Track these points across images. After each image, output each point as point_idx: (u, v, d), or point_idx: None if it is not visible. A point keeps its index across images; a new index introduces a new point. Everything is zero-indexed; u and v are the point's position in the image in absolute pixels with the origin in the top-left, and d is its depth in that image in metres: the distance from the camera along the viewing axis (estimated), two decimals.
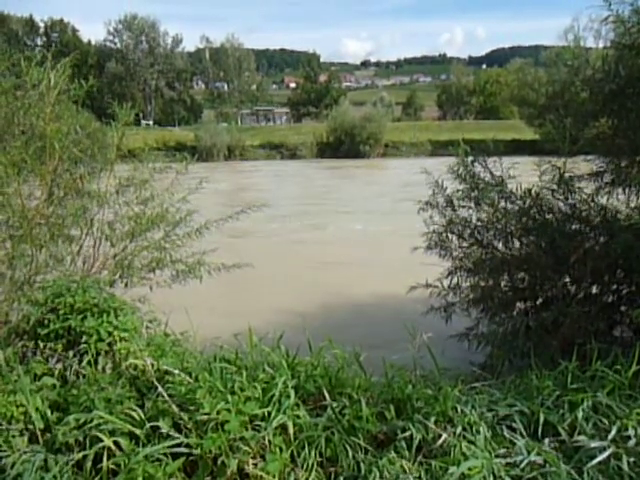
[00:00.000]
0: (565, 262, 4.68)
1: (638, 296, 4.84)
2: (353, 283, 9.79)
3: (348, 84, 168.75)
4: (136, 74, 72.93)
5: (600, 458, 2.22)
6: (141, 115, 63.77)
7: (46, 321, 3.30)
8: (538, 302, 5.22)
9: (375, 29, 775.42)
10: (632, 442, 2.30)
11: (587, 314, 4.63)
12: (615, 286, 5.08)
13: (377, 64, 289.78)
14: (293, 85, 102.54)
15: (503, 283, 5.40)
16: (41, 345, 3.21)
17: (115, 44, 75.00)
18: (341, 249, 12.93)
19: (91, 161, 5.53)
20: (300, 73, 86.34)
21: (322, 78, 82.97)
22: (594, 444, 2.29)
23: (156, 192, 5.69)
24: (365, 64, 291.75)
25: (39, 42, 73.60)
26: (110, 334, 3.20)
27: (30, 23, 73.60)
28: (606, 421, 2.47)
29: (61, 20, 76.52)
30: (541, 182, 5.07)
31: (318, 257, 12.07)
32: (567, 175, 5.00)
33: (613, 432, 2.34)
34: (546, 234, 4.79)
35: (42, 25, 74.91)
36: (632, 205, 4.90)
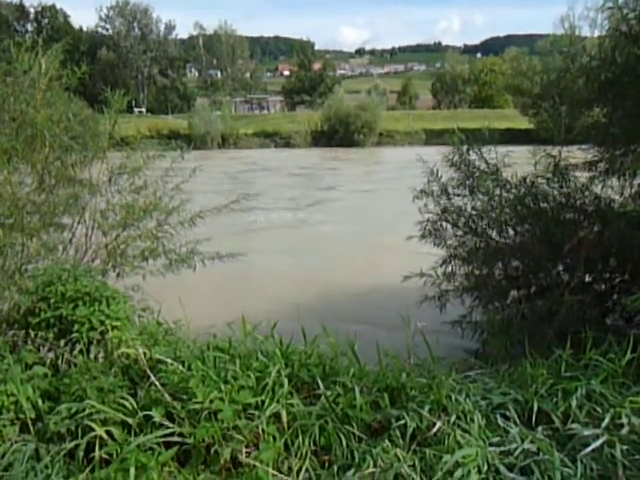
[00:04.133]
0: (559, 251, 4.68)
1: (631, 284, 4.85)
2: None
3: (342, 72, 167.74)
4: (128, 61, 72.28)
5: (594, 446, 2.22)
6: (134, 103, 63.25)
7: (37, 310, 3.27)
8: (532, 290, 5.23)
9: (373, 16, 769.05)
10: (625, 430, 2.30)
11: (580, 303, 4.65)
12: (608, 275, 5.10)
13: (372, 52, 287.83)
14: (287, 73, 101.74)
15: (497, 271, 5.40)
16: (32, 334, 3.18)
17: (107, 30, 74.36)
18: None
19: (83, 149, 5.45)
20: (294, 61, 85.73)
21: (316, 66, 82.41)
22: (587, 432, 2.29)
23: (149, 180, 5.64)
24: (360, 52, 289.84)
25: (29, 28, 72.71)
26: (102, 323, 3.17)
27: (20, 9, 72.63)
28: (600, 409, 2.47)
29: (52, 6, 75.53)
30: (536, 171, 5.06)
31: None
32: (562, 164, 4.99)
33: (606, 420, 2.35)
34: (541, 223, 4.79)
35: (32, 11, 73.98)
36: (626, 194, 4.90)
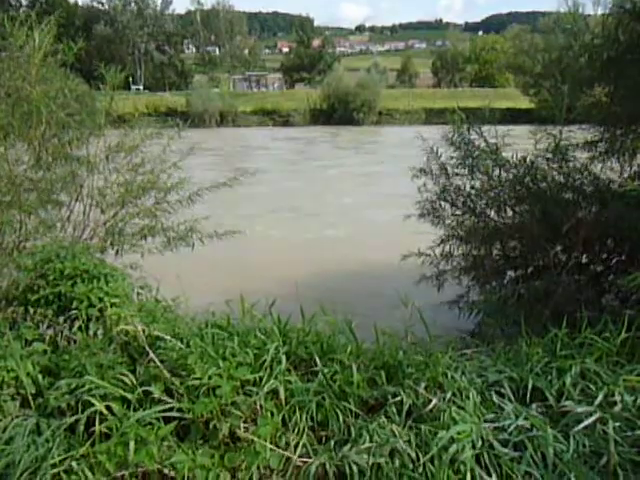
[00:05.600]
0: (557, 231, 4.68)
1: (628, 265, 4.87)
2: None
3: (342, 49, 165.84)
4: (125, 37, 71.02)
5: (586, 423, 2.25)
6: (131, 80, 62.49)
7: (36, 287, 3.28)
8: (529, 271, 5.25)
9: None
10: (618, 407, 2.33)
11: (577, 283, 4.67)
12: (605, 255, 5.11)
13: (372, 29, 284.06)
14: (286, 50, 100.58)
15: (495, 251, 5.42)
16: (31, 311, 3.19)
17: (103, 5, 72.91)
18: None
19: (80, 126, 5.40)
20: (293, 37, 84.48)
21: (316, 43, 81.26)
22: (581, 409, 2.32)
23: (147, 158, 5.61)
24: (360, 29, 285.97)
25: (24, 2, 71.26)
26: (101, 300, 3.18)
27: None
28: (593, 387, 2.50)
29: None
30: (536, 151, 5.04)
31: None
32: (562, 144, 4.97)
33: (600, 398, 2.37)
34: (539, 203, 4.78)
35: None
36: (625, 174, 4.89)
